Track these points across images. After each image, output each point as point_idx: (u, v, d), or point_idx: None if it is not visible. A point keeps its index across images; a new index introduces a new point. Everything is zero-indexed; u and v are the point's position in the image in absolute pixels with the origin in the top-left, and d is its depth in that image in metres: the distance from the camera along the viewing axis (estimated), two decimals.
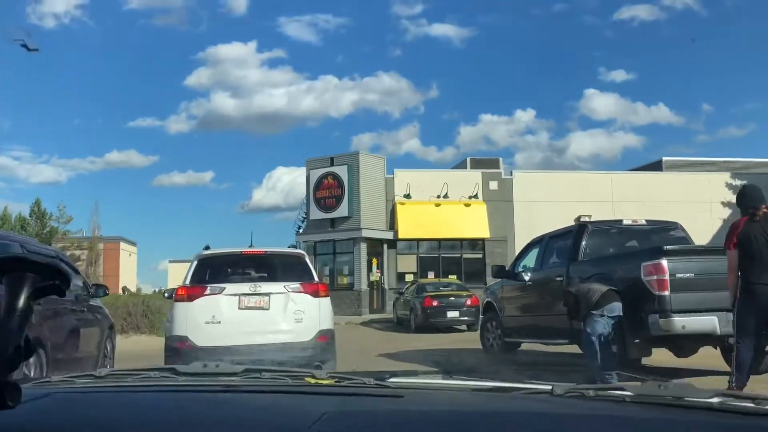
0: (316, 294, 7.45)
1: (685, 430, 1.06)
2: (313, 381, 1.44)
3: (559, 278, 8.74)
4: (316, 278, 7.81)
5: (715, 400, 1.14)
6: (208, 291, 7.24)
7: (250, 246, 8.47)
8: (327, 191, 25.58)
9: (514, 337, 10.39)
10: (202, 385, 1.40)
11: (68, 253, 44.64)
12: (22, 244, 7.08)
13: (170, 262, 72.75)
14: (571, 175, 28.49)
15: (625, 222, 9.04)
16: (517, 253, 25.80)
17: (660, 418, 1.11)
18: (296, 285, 7.40)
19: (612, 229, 9.21)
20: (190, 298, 7.21)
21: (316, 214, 25.90)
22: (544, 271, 9.52)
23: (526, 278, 9.75)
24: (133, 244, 67.71)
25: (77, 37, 67.89)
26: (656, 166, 30.67)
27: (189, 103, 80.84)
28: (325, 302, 7.56)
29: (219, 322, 7.11)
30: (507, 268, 10.68)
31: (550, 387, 1.28)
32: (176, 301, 7.34)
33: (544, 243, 9.90)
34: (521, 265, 10.50)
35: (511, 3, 63.60)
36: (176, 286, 7.82)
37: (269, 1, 70.09)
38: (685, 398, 1.15)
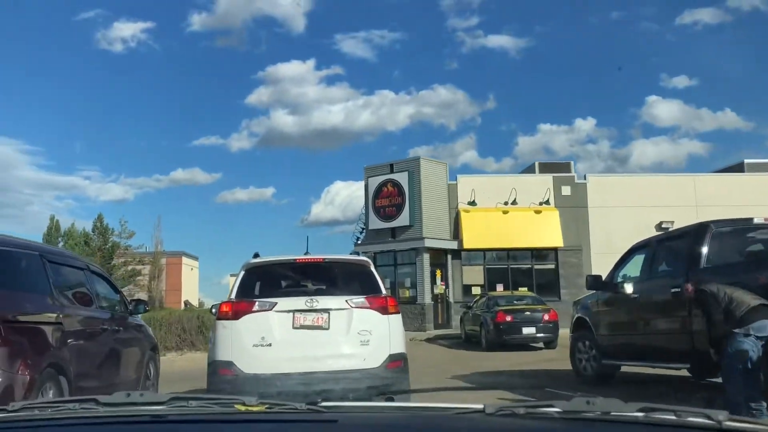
0: (384, 310, 6.15)
1: None
2: (242, 408, 1.41)
3: (675, 289, 7.19)
4: (384, 291, 6.50)
5: (640, 414, 1.23)
6: (256, 307, 6.03)
7: (306, 253, 7.24)
8: (387, 199, 24.30)
9: (613, 359, 8.84)
10: (126, 416, 1.36)
11: (129, 267, 44.98)
12: (43, 254, 6.04)
13: (231, 275, 73.42)
14: (651, 178, 26.42)
15: (756, 221, 7.40)
16: (593, 262, 24.36)
17: None
18: (361, 299, 6.13)
19: (740, 229, 7.54)
20: (236, 316, 6.02)
21: (376, 223, 24.64)
22: (653, 281, 7.99)
23: (630, 290, 8.23)
24: (195, 258, 68.40)
25: (143, 61, 71.37)
26: (737, 168, 28.29)
27: (250, 121, 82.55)
28: (396, 320, 6.25)
29: (269, 345, 5.89)
30: (604, 279, 9.12)
31: (482, 406, 1.31)
32: (219, 319, 6.15)
33: (652, 248, 8.33)
34: (620, 274, 8.98)
35: (568, 12, 63.14)
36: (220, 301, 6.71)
37: (326, 19, 71.80)
38: (612, 413, 1.24)
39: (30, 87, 70.63)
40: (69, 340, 5.81)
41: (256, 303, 6.05)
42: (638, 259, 8.65)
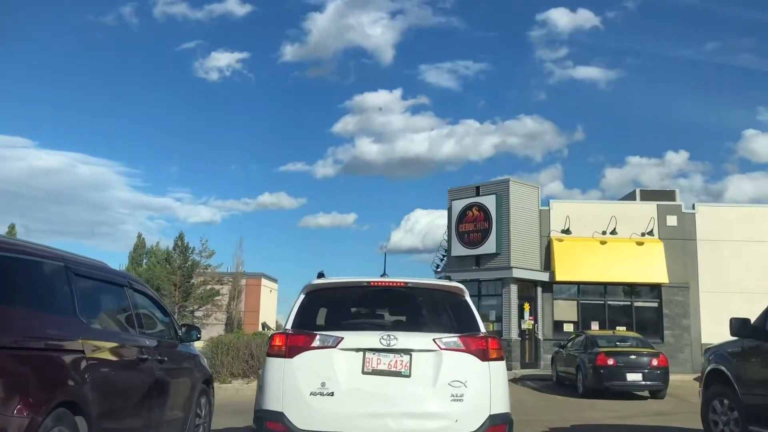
0: (484, 354, 4.69)
1: None
2: None
3: None
4: (483, 328, 5.01)
5: None
6: (317, 342, 4.68)
7: (383, 275, 5.84)
8: (472, 224, 22.67)
9: (765, 427, 6.93)
10: None
11: (208, 287, 45.05)
12: (69, 265, 4.93)
13: None
14: None
15: None
16: (701, 301, 21.85)
17: None
18: (454, 338, 4.69)
19: None
20: (291, 353, 4.68)
21: (459, 250, 23.02)
22: None
23: None
24: (274, 280, 68.69)
25: (237, 89, 75.02)
26: None
27: (336, 149, 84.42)
28: (499, 369, 4.76)
29: (332, 394, 4.52)
30: (753, 323, 7.27)
31: None
32: (270, 355, 4.83)
33: None
34: None
35: (661, 43, 61.09)
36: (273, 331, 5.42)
37: (413, 50, 72.96)
38: None
39: (131, 112, 74.71)
40: (94, 373, 4.62)
41: (317, 337, 4.69)
42: None
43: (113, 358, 5.14)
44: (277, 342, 4.78)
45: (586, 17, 65.48)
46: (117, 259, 72.48)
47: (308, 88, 79.31)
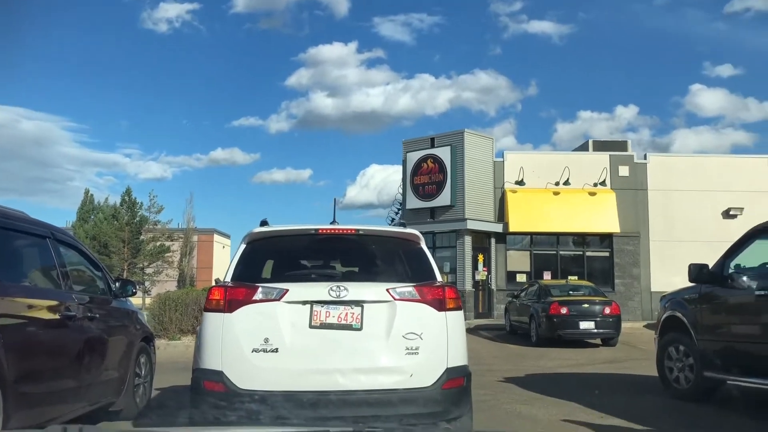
0: (441, 304, 4.35)
1: None
2: None
3: None
4: (440, 277, 4.68)
5: None
6: (259, 295, 4.27)
7: (333, 222, 5.41)
8: (427, 176, 22.36)
9: (720, 372, 6.89)
10: None
11: (158, 243, 44.02)
12: None
13: None
14: (719, 159, 23.91)
15: None
16: (652, 250, 22.16)
17: None
18: (408, 288, 4.34)
19: None
20: (230, 307, 4.26)
21: (414, 202, 22.75)
22: None
23: (753, 285, 6.29)
24: (227, 236, 67.89)
25: (187, 41, 72.15)
26: None
27: (290, 103, 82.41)
28: (457, 319, 4.45)
29: (275, 350, 4.14)
30: (711, 269, 7.15)
31: None
32: (208, 310, 4.40)
33: None
34: (733, 264, 6.99)
35: None
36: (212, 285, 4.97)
37: (368, 2, 70.66)
38: None
39: (75, 66, 71.33)
40: (9, 333, 4.13)
41: (260, 289, 4.27)
42: (763, 246, 6.67)
43: (34, 316, 4.65)
44: (215, 296, 4.34)
45: None
46: (65, 217, 70.51)
47: (261, 40, 77.52)
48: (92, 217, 47.22)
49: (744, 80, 58.21)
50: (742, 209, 21.51)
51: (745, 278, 6.52)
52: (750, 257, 6.92)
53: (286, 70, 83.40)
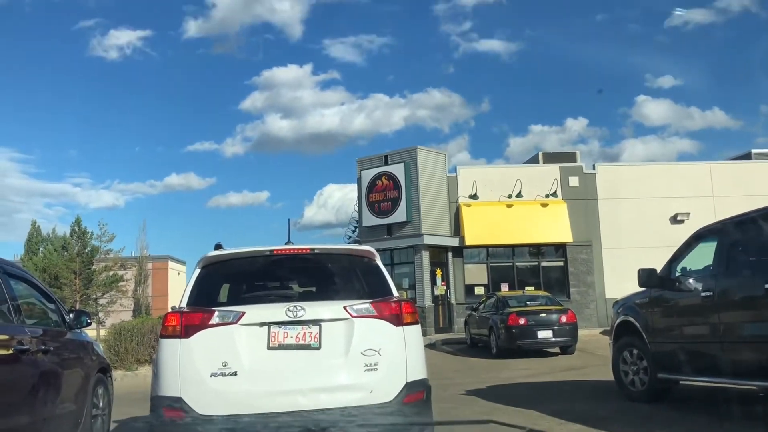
0: (398, 319, 4.40)
1: None
2: None
3: None
4: (396, 292, 4.73)
5: None
6: (215, 319, 4.25)
7: (287, 243, 5.43)
8: (382, 194, 22.49)
9: (672, 373, 7.11)
10: None
11: (111, 272, 42.94)
12: None
13: None
14: (664, 167, 24.69)
15: None
16: (604, 257, 22.64)
17: None
18: (365, 305, 4.38)
19: None
20: (187, 333, 4.24)
21: (370, 220, 22.83)
22: (734, 275, 6.28)
23: (699, 287, 6.52)
24: (182, 262, 66.65)
25: (139, 68, 71.55)
26: (745, 158, 26.60)
27: (245, 126, 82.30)
28: (414, 333, 4.49)
29: (234, 374, 4.12)
30: (659, 273, 7.39)
31: None
32: (164, 337, 4.36)
33: (727, 233, 6.58)
34: (679, 268, 7.24)
35: (554, 16, 64.11)
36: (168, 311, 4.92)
37: (321, 25, 73.34)
38: None
39: (23, 96, 69.70)
40: None
41: (216, 313, 4.26)
42: (706, 249, 6.91)
43: None
44: (171, 321, 4.32)
45: None
46: (13, 250, 68.21)
47: (214, 64, 77.28)
48: (41, 248, 45.87)
49: (686, 90, 60.77)
50: (688, 214, 22.20)
51: (691, 281, 6.75)
52: (695, 260, 7.18)
53: (241, 93, 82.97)
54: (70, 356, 6.01)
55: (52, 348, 5.47)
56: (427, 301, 21.50)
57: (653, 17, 63.72)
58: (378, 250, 5.15)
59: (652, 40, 60.57)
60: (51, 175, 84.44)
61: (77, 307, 33.70)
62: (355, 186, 24.02)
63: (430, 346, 18.29)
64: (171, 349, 4.23)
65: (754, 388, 6.27)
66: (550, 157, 24.81)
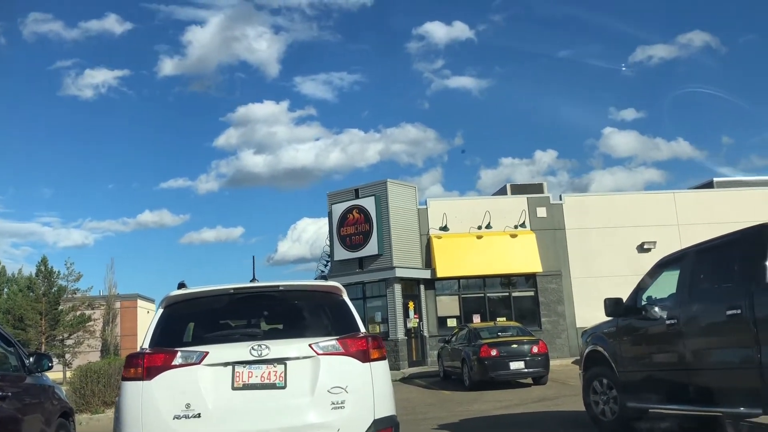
0: (365, 356, 4.37)
1: None
2: None
3: (732, 311, 5.59)
4: (363, 328, 4.71)
5: None
6: (178, 359, 4.19)
7: (252, 280, 5.38)
8: (353, 227, 22.49)
9: (641, 402, 7.14)
10: None
11: (78, 312, 42.02)
12: None
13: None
14: (630, 196, 25.13)
15: None
16: (574, 287, 22.83)
17: None
18: (331, 342, 4.34)
19: None
20: (149, 375, 4.16)
21: (342, 253, 22.78)
22: (697, 302, 6.36)
23: (664, 315, 6.60)
24: (151, 300, 65.54)
25: (114, 106, 71.51)
26: (707, 187, 27.22)
27: (219, 162, 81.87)
28: (381, 369, 4.46)
29: (198, 416, 4.05)
30: (625, 302, 7.47)
31: None
32: (126, 379, 4.27)
33: (690, 262, 6.69)
34: (645, 296, 7.33)
35: (522, 53, 66.84)
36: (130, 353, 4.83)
37: (294, 64, 74.78)
38: None
39: None
40: None
41: (179, 354, 4.19)
42: (669, 277, 7.02)
43: None
44: (133, 363, 4.23)
45: (460, 29, 68.68)
46: None
47: (189, 102, 77.46)
48: (6, 289, 44.83)
49: (650, 122, 62.82)
50: (655, 243, 22.52)
51: (656, 309, 6.82)
52: (660, 288, 7.27)
53: (216, 130, 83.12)
54: (30, 401, 5.85)
55: (10, 393, 5.33)
56: (400, 335, 21.39)
57: (616, 53, 65.75)
58: (350, 284, 5.18)
59: (618, 74, 62.61)
60: (20, 215, 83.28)
61: (42, 349, 32.84)
62: (327, 221, 23.98)
63: (403, 380, 18.16)
64: (133, 391, 4.15)
65: (720, 414, 6.32)
66: (518, 189, 25.10)
